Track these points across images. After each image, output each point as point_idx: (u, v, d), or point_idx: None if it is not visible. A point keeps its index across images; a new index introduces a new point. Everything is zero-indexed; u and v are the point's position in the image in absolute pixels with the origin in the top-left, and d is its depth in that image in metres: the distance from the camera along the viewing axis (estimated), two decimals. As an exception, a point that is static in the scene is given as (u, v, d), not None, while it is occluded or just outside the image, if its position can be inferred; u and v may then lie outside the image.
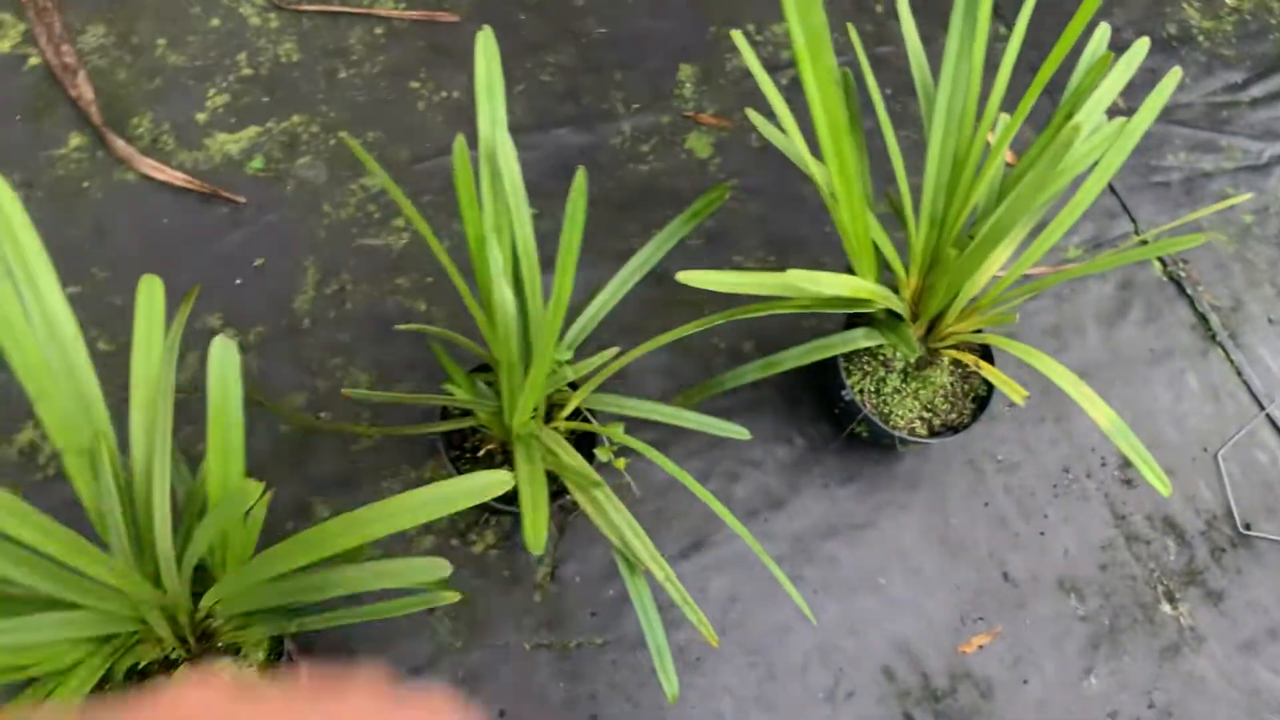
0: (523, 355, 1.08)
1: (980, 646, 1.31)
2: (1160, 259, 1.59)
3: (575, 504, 1.29)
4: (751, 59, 0.90)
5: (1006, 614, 1.33)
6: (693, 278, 0.97)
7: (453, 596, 0.89)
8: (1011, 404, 1.45)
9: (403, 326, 0.98)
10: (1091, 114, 1.21)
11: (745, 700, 1.23)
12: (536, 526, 0.90)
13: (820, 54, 1.03)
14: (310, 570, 0.93)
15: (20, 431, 1.18)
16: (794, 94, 1.53)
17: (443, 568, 0.92)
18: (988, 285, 1.26)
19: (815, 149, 1.19)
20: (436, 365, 1.34)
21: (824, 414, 1.38)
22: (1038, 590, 1.35)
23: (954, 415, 1.30)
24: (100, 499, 0.91)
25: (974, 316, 1.26)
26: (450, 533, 1.24)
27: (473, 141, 1.09)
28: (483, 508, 1.26)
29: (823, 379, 1.37)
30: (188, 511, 1.00)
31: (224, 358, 0.92)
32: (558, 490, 1.21)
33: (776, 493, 1.33)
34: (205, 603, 0.96)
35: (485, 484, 0.80)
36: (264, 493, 0.92)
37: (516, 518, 1.26)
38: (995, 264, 1.24)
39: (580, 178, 0.93)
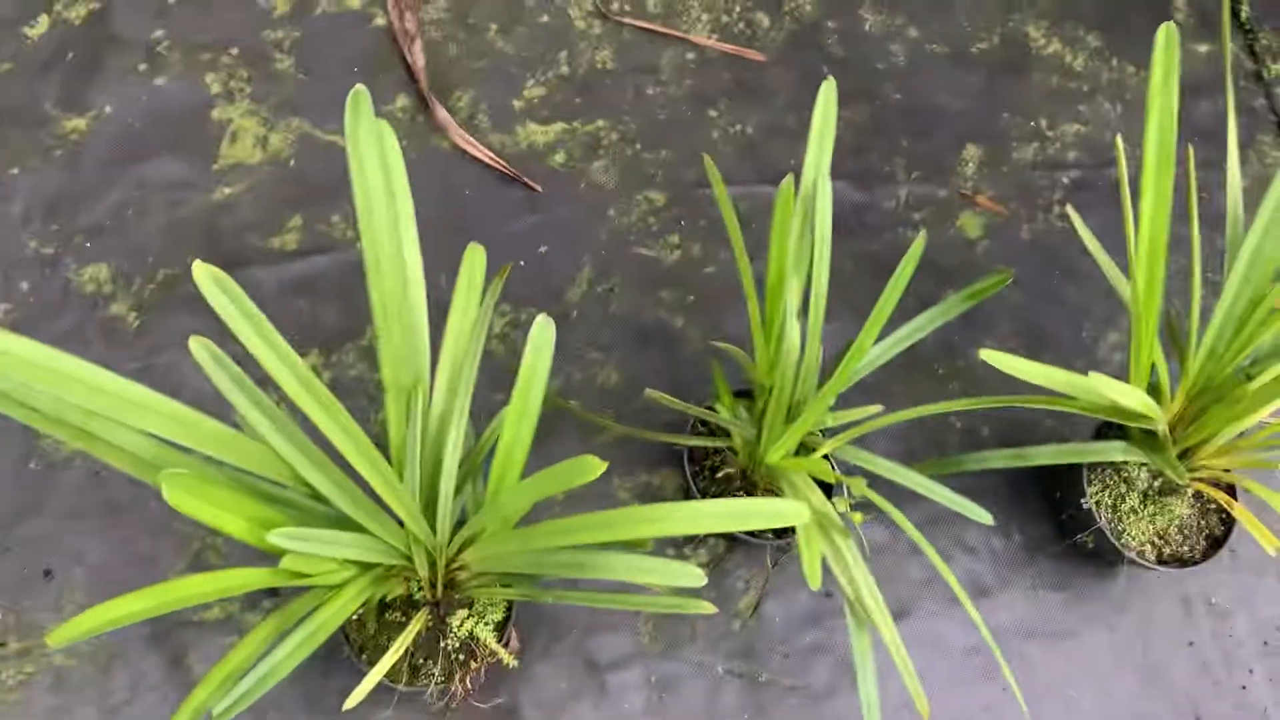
0: (792, 390, 1.11)
1: (1161, 787, 1.28)
2: None
3: (789, 545, 1.32)
4: (1122, 168, 0.91)
5: (1194, 761, 1.29)
6: (995, 358, 0.98)
7: (708, 608, 0.92)
8: (1235, 549, 1.41)
9: (718, 343, 1.02)
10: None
11: (917, 778, 1.23)
12: (814, 562, 0.92)
13: (1164, 175, 1.04)
14: (575, 548, 0.98)
15: (305, 357, 1.27)
16: (1074, 195, 1.53)
17: (697, 578, 0.95)
18: (1253, 428, 1.24)
19: (1116, 256, 1.20)
20: (682, 381, 1.39)
21: (1048, 516, 1.37)
22: (1230, 746, 1.31)
23: (1185, 548, 1.28)
24: (407, 438, 0.97)
25: (1230, 455, 1.24)
26: (668, 544, 1.28)
27: (763, 176, 1.13)
28: (702, 527, 1.30)
29: (1054, 482, 1.36)
30: (462, 467, 1.06)
31: (543, 334, 0.98)
32: (781, 530, 1.24)
33: (984, 582, 1.33)
34: (468, 556, 1.02)
35: (782, 511, 0.83)
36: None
37: (733, 542, 1.30)
38: (1267, 410, 1.22)
39: (919, 244, 0.96)
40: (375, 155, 0.89)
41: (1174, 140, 0.99)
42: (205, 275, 0.78)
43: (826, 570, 1.31)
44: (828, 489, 1.22)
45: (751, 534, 1.21)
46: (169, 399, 0.82)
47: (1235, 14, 1.72)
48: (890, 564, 1.32)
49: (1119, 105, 1.60)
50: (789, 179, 1.04)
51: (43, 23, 1.41)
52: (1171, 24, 0.98)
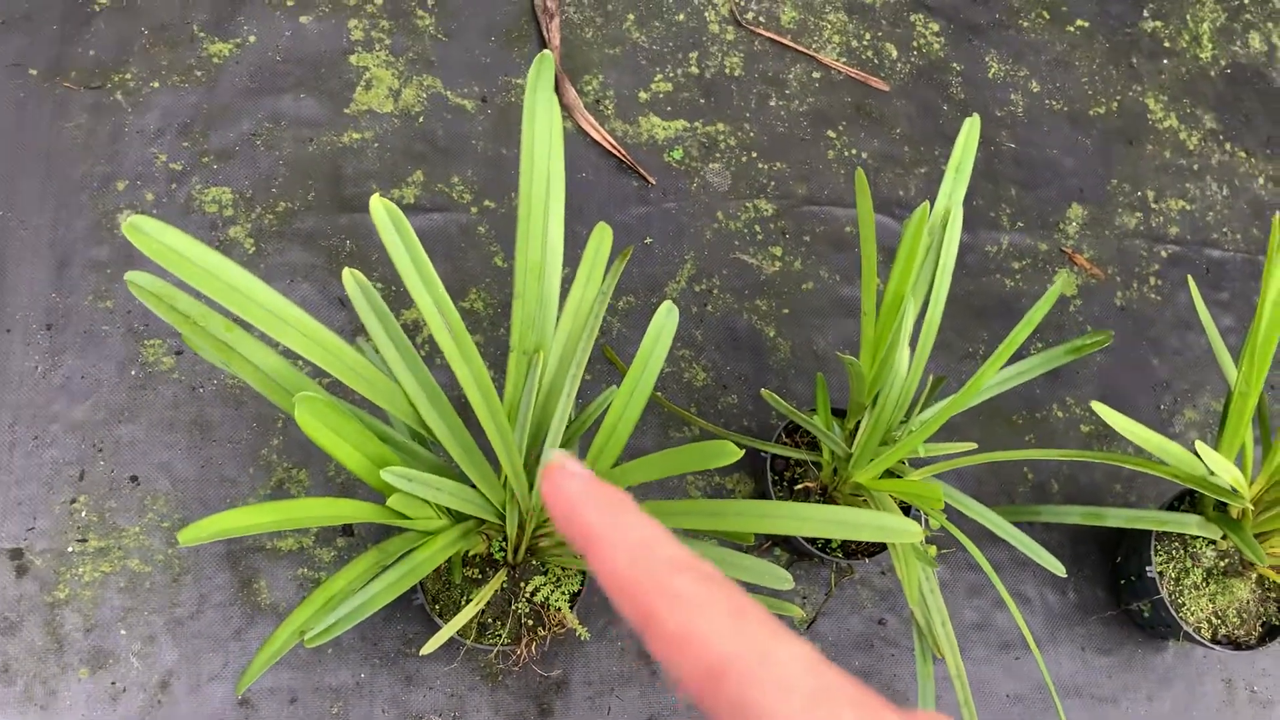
0: (890, 415, 1.12)
1: None
2: None
3: (849, 568, 1.33)
4: (1275, 244, 0.92)
5: (1217, 844, 1.30)
6: (1109, 415, 1.00)
7: (796, 611, 0.94)
8: (1282, 643, 1.42)
9: (842, 355, 1.03)
10: None
11: (944, 816, 1.24)
12: (913, 583, 0.94)
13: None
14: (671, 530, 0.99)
15: (408, 309, 1.29)
16: (1169, 270, 1.54)
17: (787, 580, 0.97)
18: (1327, 524, 1.24)
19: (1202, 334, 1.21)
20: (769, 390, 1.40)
21: (1103, 579, 1.38)
22: (1254, 834, 1.31)
23: (1241, 632, 1.29)
24: (521, 398, 0.99)
25: (1302, 548, 1.25)
26: (733, 549, 1.29)
27: (873, 204, 1.15)
28: (769, 538, 1.31)
29: (1117, 547, 1.37)
30: (564, 435, 1.08)
31: (666, 320, 1.00)
32: (851, 551, 1.25)
33: (1035, 635, 1.34)
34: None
35: (895, 528, 0.84)
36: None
37: (797, 557, 1.31)
38: (1348, 507, 1.23)
39: (1058, 286, 0.97)
40: (546, 121, 0.91)
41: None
42: (381, 208, 0.80)
43: (883, 597, 1.33)
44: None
45: (824, 551, 1.22)
46: (314, 320, 0.84)
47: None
48: (945, 603, 1.32)
49: (1225, 189, 1.61)
50: (925, 205, 1.05)
51: (196, -54, 1.44)
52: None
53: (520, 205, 0.91)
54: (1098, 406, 1.00)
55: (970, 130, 1.12)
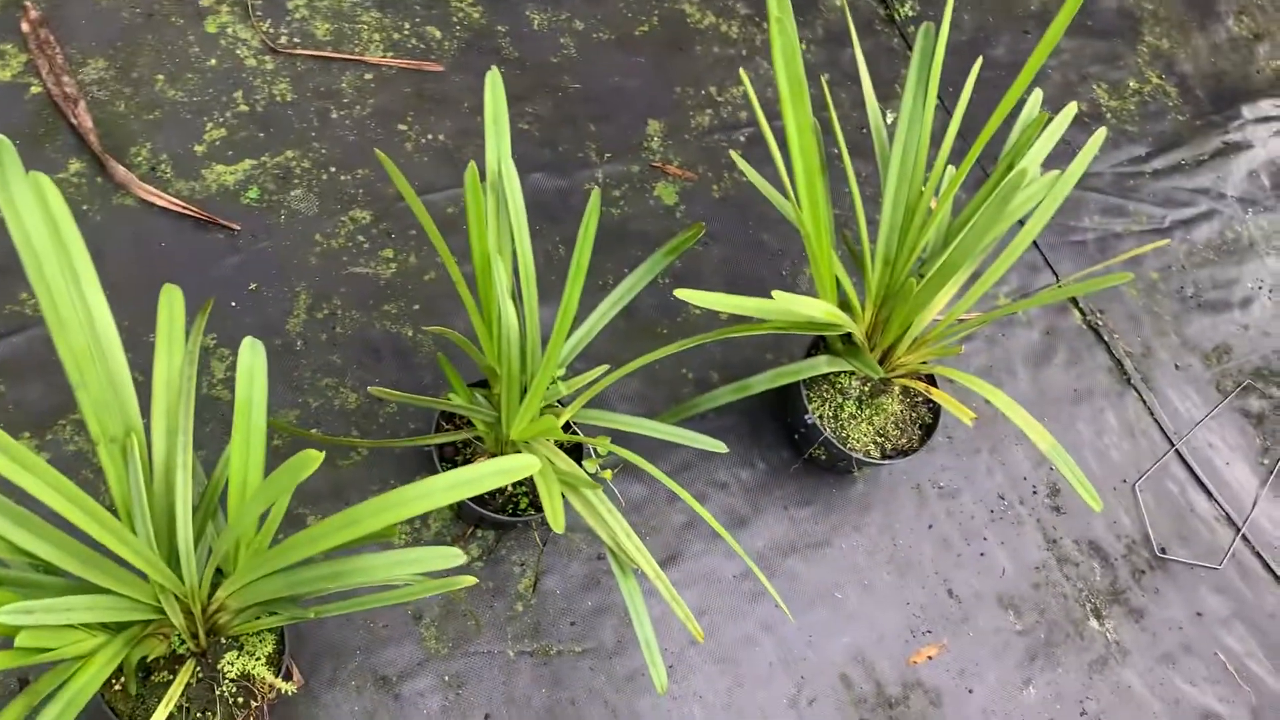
0: (521, 368, 1.15)
1: (929, 658, 1.41)
2: (1080, 309, 1.75)
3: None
4: (753, 99, 1.01)
5: (951, 628, 1.43)
6: (690, 295, 1.07)
7: (469, 580, 0.95)
8: (950, 435, 1.57)
9: (430, 328, 1.05)
10: (1029, 167, 1.36)
11: (715, 707, 1.30)
12: (556, 508, 0.97)
13: (800, 102, 1.15)
14: (326, 558, 0.98)
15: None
16: (750, 149, 1.66)
17: (456, 556, 0.98)
18: (932, 324, 1.38)
19: (785, 194, 1.31)
20: (422, 387, 1.41)
21: (784, 440, 1.48)
22: (979, 606, 1.46)
23: (904, 440, 1.42)
24: (129, 488, 0.95)
25: (922, 349, 1.38)
26: (437, 545, 1.29)
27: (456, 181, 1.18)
28: (470, 521, 1.33)
29: (783, 408, 1.48)
30: (199, 510, 1.04)
31: (253, 357, 0.98)
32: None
33: (741, 512, 1.42)
34: (221, 593, 1.00)
35: (514, 466, 0.86)
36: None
37: (501, 530, 1.33)
38: (942, 302, 1.37)
39: (595, 198, 1.02)
40: (35, 206, 0.87)
41: (801, 70, 1.10)
42: None
43: (595, 536, 1.37)
44: (579, 454, 1.28)
45: (515, 515, 1.24)
46: None
47: (860, -31, 1.91)
48: (652, 515, 1.39)
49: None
50: (471, 166, 1.08)
51: None
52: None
53: (39, 297, 0.87)
54: (681, 292, 1.07)
55: (494, 84, 1.15)
